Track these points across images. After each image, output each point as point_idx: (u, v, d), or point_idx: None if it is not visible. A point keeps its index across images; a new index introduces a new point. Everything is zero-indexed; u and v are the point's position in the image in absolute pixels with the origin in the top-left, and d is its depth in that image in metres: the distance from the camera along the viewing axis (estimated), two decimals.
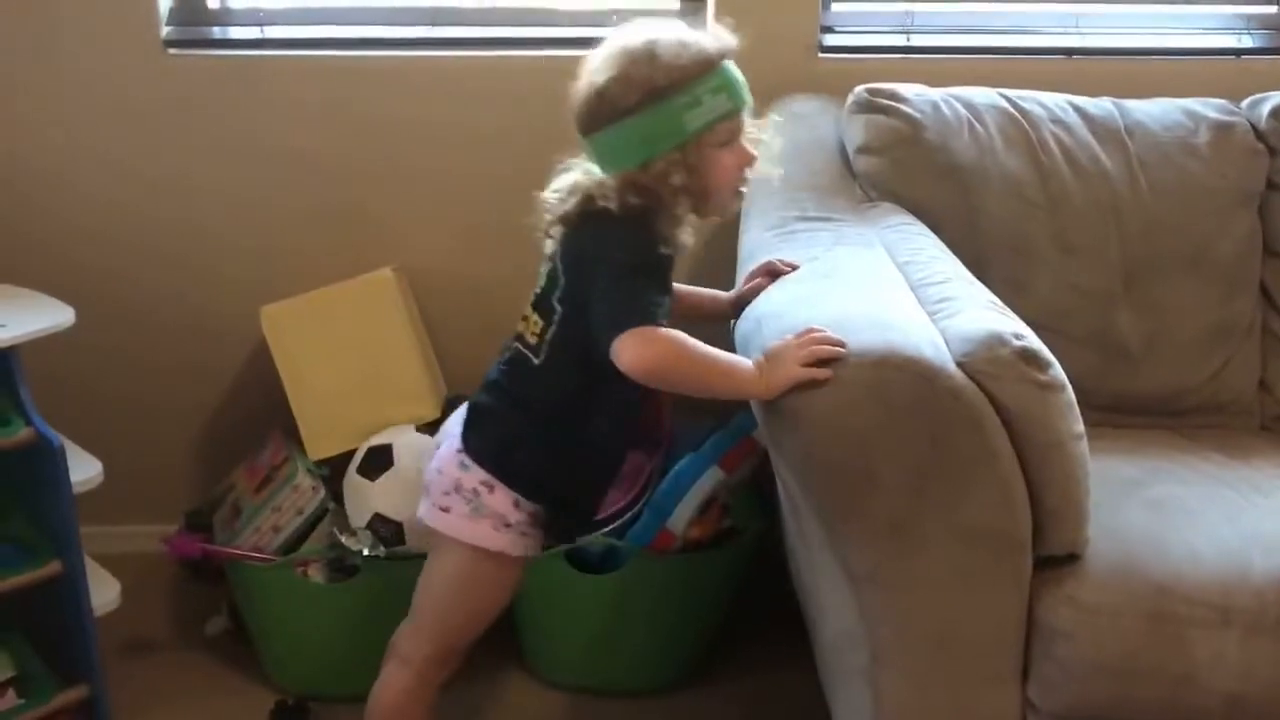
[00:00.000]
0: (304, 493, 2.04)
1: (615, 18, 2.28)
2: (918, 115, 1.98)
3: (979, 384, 1.38)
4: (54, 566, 1.83)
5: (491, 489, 1.57)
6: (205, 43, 2.29)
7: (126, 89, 2.22)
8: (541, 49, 2.29)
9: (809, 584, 1.77)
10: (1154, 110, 2.11)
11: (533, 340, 1.56)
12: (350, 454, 2.04)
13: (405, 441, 2.01)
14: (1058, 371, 1.41)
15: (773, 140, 1.58)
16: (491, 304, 2.26)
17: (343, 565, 2.00)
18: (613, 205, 1.49)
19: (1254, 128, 2.08)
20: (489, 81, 2.26)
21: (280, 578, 2.00)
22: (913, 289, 1.58)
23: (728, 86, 1.49)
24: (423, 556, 1.92)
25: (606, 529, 1.98)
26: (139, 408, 2.35)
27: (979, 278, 1.66)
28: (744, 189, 1.56)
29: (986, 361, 1.38)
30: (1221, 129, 2.07)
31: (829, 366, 1.37)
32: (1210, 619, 1.44)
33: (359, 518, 1.98)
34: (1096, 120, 2.08)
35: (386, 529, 1.96)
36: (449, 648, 1.68)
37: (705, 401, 1.53)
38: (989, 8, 2.44)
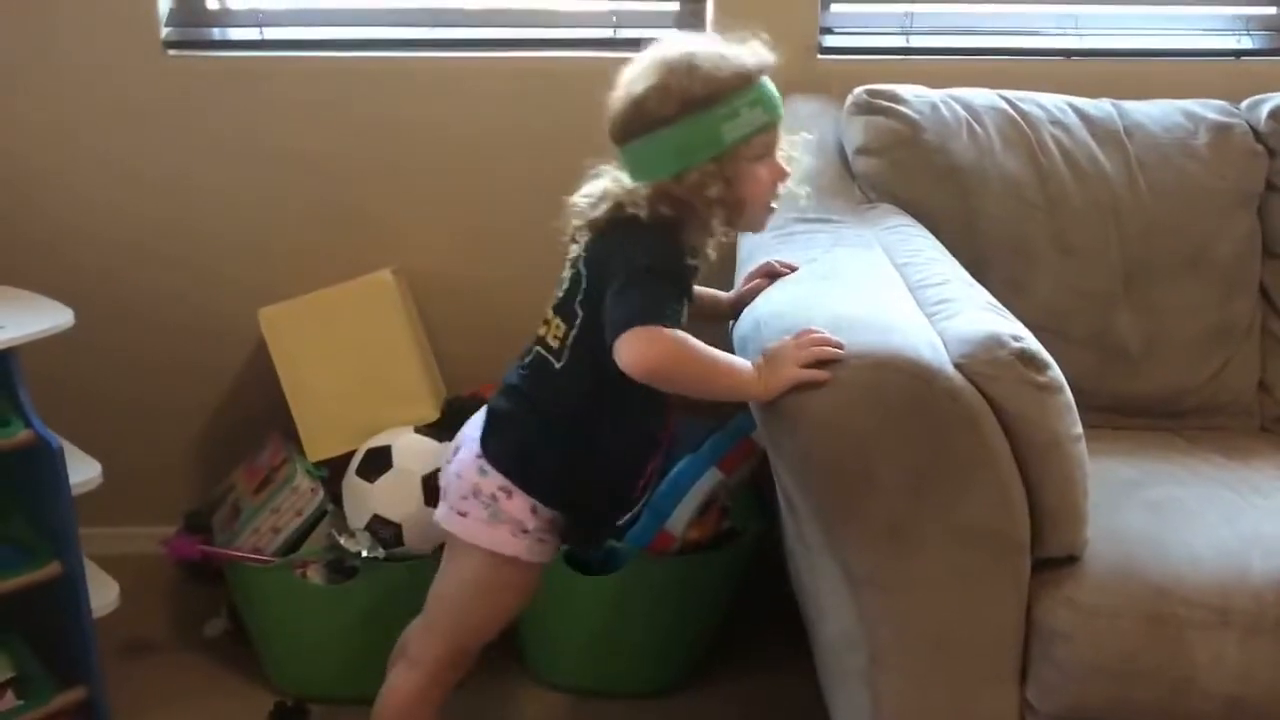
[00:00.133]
0: (303, 494, 2.04)
1: (615, 19, 2.30)
2: (917, 116, 1.98)
3: (977, 385, 1.37)
4: (53, 568, 1.83)
5: (509, 494, 1.57)
6: (205, 44, 2.29)
7: (126, 89, 2.23)
8: (542, 50, 2.29)
9: (808, 585, 1.77)
10: (1153, 111, 2.11)
11: (554, 344, 1.55)
12: (349, 455, 2.04)
13: (404, 443, 2.01)
14: (1056, 373, 1.41)
15: (802, 158, 1.57)
16: (491, 305, 2.27)
17: (342, 566, 2.00)
18: (643, 213, 1.48)
19: (1253, 129, 2.08)
20: (489, 82, 2.26)
21: (279, 579, 2.00)
22: (911, 290, 1.59)
23: (764, 101, 1.48)
24: (422, 557, 1.93)
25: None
26: (138, 409, 2.35)
27: (978, 279, 1.66)
28: (775, 205, 1.55)
29: (985, 363, 1.38)
30: (1221, 130, 2.07)
31: (828, 368, 1.38)
32: (1209, 621, 1.44)
33: (358, 519, 1.98)
34: (1096, 121, 2.08)
35: (385, 530, 1.96)
36: (461, 649, 1.67)
37: (704, 402, 1.53)
38: (988, 9, 2.44)
